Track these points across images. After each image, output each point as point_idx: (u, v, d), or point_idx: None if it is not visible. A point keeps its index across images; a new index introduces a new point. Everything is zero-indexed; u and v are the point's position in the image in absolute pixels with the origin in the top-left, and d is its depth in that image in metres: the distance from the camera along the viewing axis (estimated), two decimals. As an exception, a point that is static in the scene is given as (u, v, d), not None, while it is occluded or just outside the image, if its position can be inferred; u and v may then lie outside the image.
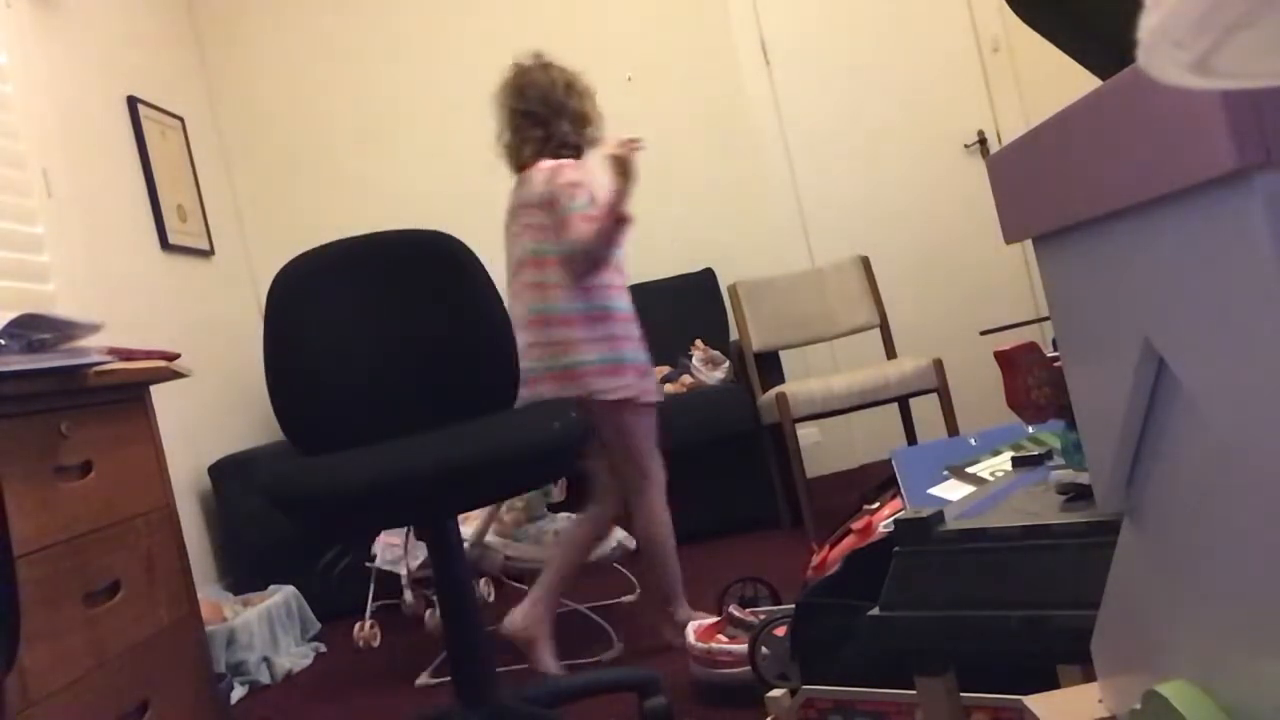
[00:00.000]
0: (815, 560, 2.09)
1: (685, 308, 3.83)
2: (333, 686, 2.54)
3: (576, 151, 2.31)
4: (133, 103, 3.41)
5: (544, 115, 2.28)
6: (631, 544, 2.74)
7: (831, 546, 2.05)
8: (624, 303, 2.28)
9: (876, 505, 2.06)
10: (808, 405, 3.05)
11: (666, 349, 3.62)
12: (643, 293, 3.72)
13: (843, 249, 3.98)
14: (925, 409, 3.43)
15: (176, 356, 2.17)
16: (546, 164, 2.25)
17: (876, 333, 3.55)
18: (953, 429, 3.03)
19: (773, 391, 3.12)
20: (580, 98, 2.32)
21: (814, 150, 4.03)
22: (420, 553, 2.61)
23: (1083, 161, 0.56)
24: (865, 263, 3.53)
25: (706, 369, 3.51)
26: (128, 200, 3.29)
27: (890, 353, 3.47)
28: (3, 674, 1.05)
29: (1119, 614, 0.68)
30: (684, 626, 2.10)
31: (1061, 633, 0.83)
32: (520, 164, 2.31)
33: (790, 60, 4.03)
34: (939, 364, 3.06)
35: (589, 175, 2.24)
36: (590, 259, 2.16)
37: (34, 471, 1.70)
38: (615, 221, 2.13)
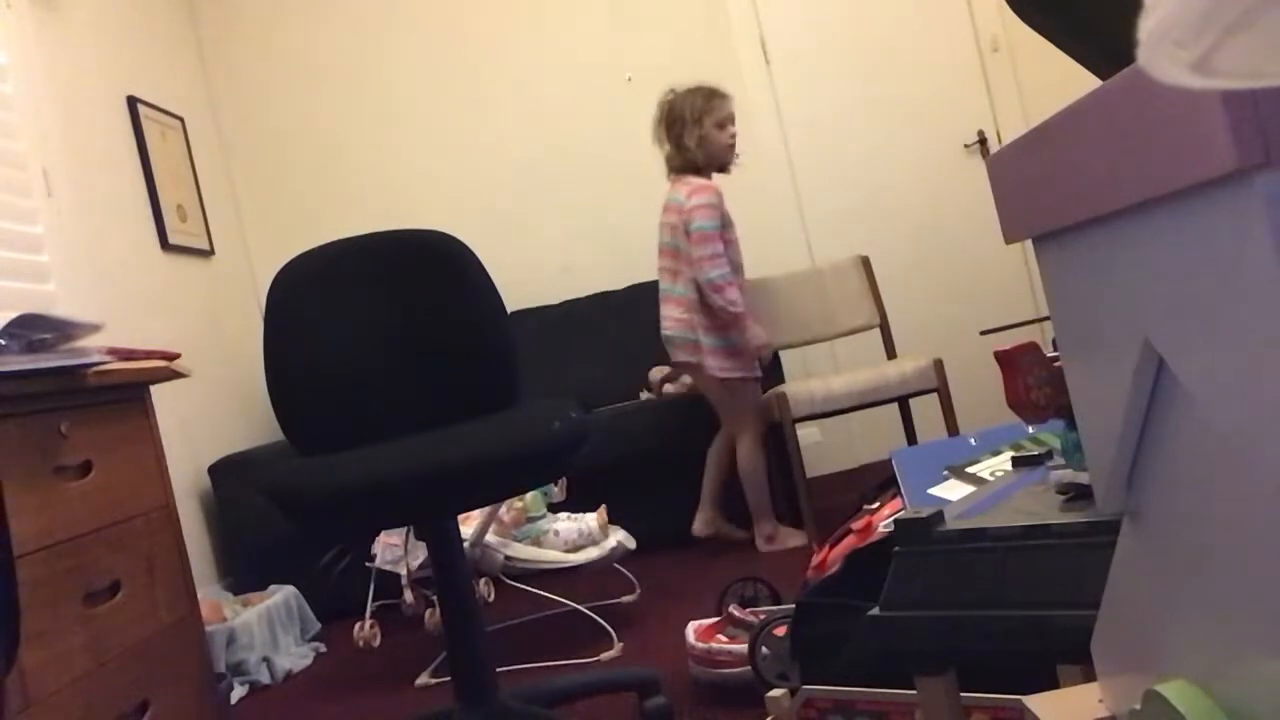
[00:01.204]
0: (815, 560, 2.08)
1: (685, 308, 3.82)
2: (333, 686, 2.54)
3: (705, 167, 3.05)
4: (133, 103, 3.41)
5: (677, 136, 3.04)
6: (631, 544, 2.74)
7: (831, 546, 2.05)
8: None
9: (876, 505, 2.05)
10: (808, 405, 3.05)
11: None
12: (643, 293, 3.72)
13: (843, 249, 3.98)
14: (925, 409, 3.43)
15: (176, 356, 2.17)
16: (693, 180, 3.02)
17: (876, 333, 3.55)
18: (953, 429, 3.03)
19: (772, 391, 3.12)
20: (708, 123, 3.03)
21: (814, 150, 4.03)
22: (420, 553, 2.61)
23: (1083, 161, 0.56)
24: (865, 263, 3.53)
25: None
26: (128, 200, 3.29)
27: (890, 353, 3.47)
28: (3, 674, 1.05)
29: (1119, 614, 0.68)
30: (770, 538, 3.01)
31: (1061, 633, 0.83)
32: (671, 173, 3.09)
33: (790, 60, 4.03)
34: (939, 364, 3.06)
35: (719, 197, 3.00)
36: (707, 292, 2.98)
37: (34, 471, 1.70)
38: (741, 328, 3.02)
